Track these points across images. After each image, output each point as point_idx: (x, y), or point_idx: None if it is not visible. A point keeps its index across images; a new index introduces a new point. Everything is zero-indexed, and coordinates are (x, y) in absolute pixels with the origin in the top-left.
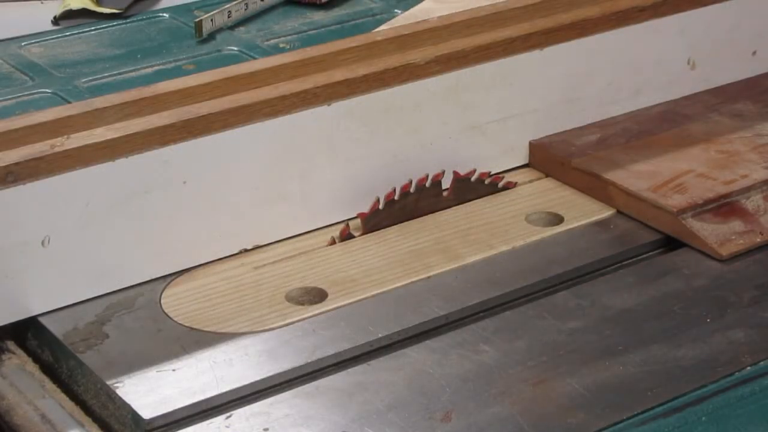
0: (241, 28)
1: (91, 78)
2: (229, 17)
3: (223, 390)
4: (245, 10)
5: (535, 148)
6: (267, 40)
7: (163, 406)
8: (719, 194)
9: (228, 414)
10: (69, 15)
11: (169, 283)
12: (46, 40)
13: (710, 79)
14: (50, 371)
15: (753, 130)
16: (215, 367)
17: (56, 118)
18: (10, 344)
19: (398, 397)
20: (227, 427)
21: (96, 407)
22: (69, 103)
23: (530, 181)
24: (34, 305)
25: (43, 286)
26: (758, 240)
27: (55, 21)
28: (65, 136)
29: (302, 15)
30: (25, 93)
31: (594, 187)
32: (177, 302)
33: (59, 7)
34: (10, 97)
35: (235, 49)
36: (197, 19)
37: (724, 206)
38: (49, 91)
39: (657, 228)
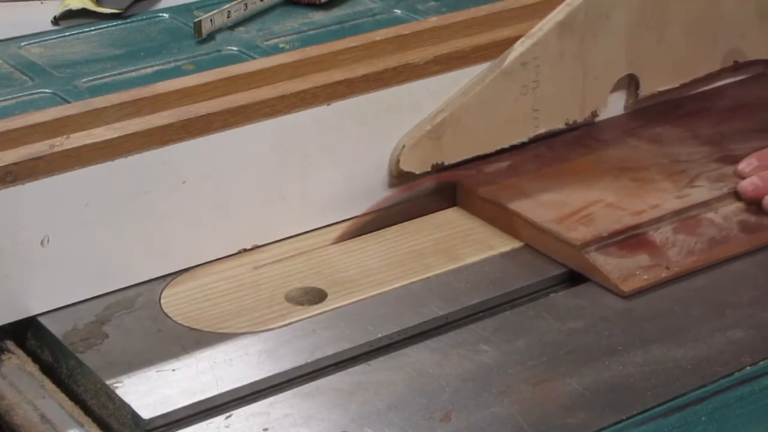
0: (241, 28)
1: (90, 78)
2: (228, 17)
3: (223, 390)
4: (245, 10)
5: (442, 177)
6: (267, 40)
7: (163, 406)
8: (626, 226)
9: (228, 414)
10: (69, 15)
11: (168, 283)
12: (46, 40)
13: None
14: (50, 371)
15: (670, 156)
16: (215, 367)
17: (56, 118)
18: (10, 344)
19: (398, 397)
20: (227, 427)
21: (96, 407)
22: (69, 103)
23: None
24: (33, 305)
25: (43, 286)
26: (663, 275)
27: (55, 21)
28: (64, 136)
29: (302, 15)
30: (25, 93)
31: (500, 218)
32: (176, 302)
33: (59, 7)
34: (9, 97)
35: (235, 49)
36: (197, 19)
37: (631, 239)
38: (49, 91)
39: (561, 262)
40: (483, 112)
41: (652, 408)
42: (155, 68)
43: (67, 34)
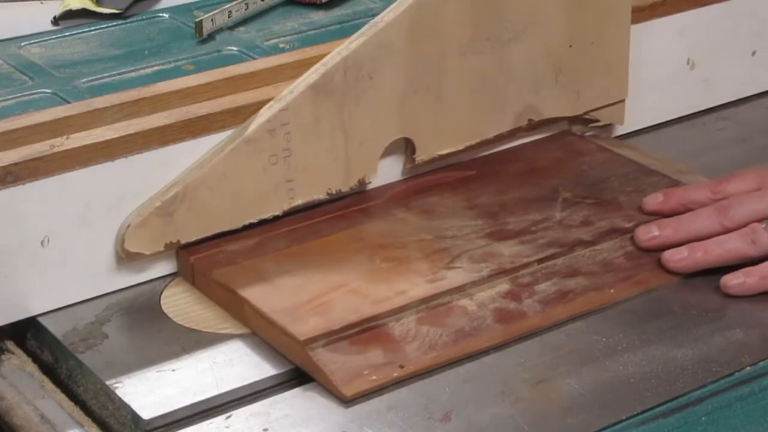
0: (241, 28)
1: (91, 78)
2: (229, 17)
3: (223, 390)
4: (245, 10)
5: (181, 253)
6: (267, 40)
7: (163, 407)
8: (363, 317)
9: (228, 414)
10: (69, 15)
11: (168, 283)
12: (46, 40)
13: (710, 78)
14: (50, 371)
15: (437, 231)
16: (215, 367)
17: (56, 118)
18: (10, 344)
19: (398, 397)
20: (227, 427)
21: (95, 407)
22: (69, 103)
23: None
24: (33, 305)
25: (43, 286)
26: (395, 375)
27: (55, 21)
28: (65, 137)
29: (302, 15)
30: (25, 93)
31: (233, 304)
32: (177, 302)
33: (59, 7)
34: (9, 97)
35: (235, 49)
36: (197, 19)
37: (366, 332)
38: (49, 91)
39: (289, 358)
40: (224, 184)
41: (652, 408)
42: (155, 68)
43: (67, 34)
